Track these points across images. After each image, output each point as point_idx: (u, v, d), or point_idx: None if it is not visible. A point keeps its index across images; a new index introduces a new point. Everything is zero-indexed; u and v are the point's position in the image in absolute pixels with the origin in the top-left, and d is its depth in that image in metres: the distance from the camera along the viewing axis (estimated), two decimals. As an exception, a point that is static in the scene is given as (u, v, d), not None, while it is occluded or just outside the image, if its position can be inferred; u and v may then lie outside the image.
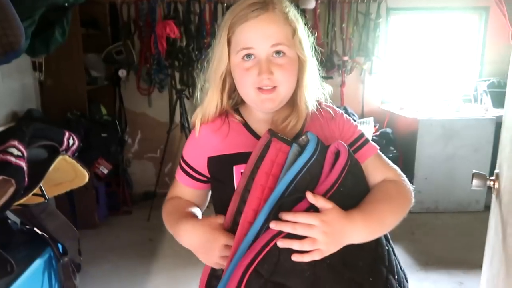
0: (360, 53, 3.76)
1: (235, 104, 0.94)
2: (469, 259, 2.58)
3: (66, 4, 2.02)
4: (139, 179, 3.78)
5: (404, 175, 0.88)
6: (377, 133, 3.50)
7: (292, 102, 0.89)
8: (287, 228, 0.70)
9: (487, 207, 1.84)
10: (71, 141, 1.76)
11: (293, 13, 0.85)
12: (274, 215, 0.71)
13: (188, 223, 0.83)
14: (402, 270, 0.90)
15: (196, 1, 3.53)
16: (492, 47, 3.68)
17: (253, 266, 0.68)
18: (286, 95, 0.86)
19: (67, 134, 1.75)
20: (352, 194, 0.78)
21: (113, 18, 3.51)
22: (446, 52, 3.91)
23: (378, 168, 0.87)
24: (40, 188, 1.54)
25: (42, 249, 1.67)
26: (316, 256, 0.69)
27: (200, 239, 0.79)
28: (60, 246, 1.74)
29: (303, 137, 0.79)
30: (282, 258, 0.69)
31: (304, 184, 0.74)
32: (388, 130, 3.55)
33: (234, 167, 0.85)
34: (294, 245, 0.69)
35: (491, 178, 1.09)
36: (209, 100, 0.91)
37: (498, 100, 3.37)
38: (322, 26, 3.66)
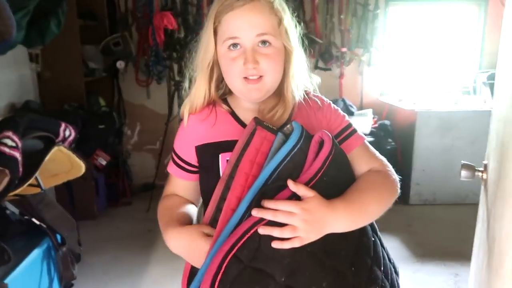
0: (359, 45, 3.74)
1: (223, 94, 0.94)
2: (465, 251, 2.54)
3: (61, -6, 2.03)
4: (139, 171, 3.80)
5: (390, 166, 0.89)
6: (376, 125, 3.50)
7: (279, 92, 0.90)
8: (268, 215, 0.71)
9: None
10: (67, 132, 1.77)
11: (279, 2, 0.85)
12: (256, 203, 0.72)
13: (174, 229, 0.83)
14: (392, 263, 0.91)
15: (194, -8, 3.51)
16: (492, 38, 3.65)
17: (233, 252, 0.69)
18: (272, 85, 0.87)
19: (63, 125, 1.76)
20: (336, 183, 0.79)
21: (111, 9, 3.50)
22: (445, 43, 3.88)
23: (363, 158, 0.88)
24: (36, 178, 1.56)
25: (41, 239, 1.69)
26: (296, 244, 0.70)
27: (184, 246, 0.80)
28: (58, 237, 1.77)
29: (288, 126, 0.80)
30: (262, 245, 0.70)
31: (287, 173, 0.75)
32: (387, 122, 3.55)
33: (220, 155, 0.86)
34: (274, 232, 0.70)
35: (479, 169, 1.10)
36: (196, 90, 0.91)
37: (497, 91, 3.35)
38: (320, 17, 3.65)
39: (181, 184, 0.95)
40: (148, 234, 2.92)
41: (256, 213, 0.71)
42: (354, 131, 0.91)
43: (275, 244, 0.70)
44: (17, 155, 1.28)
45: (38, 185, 1.55)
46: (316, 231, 0.72)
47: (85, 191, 3.06)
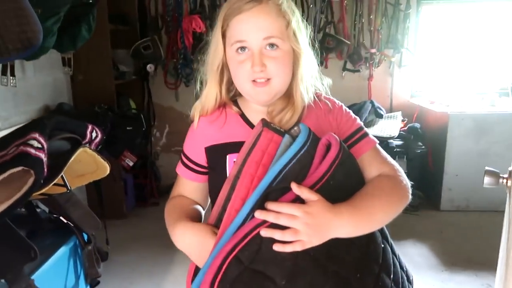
0: (389, 45, 3.64)
1: (233, 96, 0.94)
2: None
3: (91, 0, 2.10)
4: (167, 172, 3.87)
5: (402, 171, 0.86)
6: (405, 128, 3.40)
7: (288, 94, 0.89)
8: (270, 218, 0.70)
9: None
10: (94, 134, 1.82)
11: (287, 4, 0.84)
12: (260, 205, 0.72)
13: (181, 226, 0.84)
14: (405, 271, 0.88)
15: (221, -5, 3.55)
16: (532, 37, 3.48)
17: (234, 253, 0.69)
18: (281, 88, 0.86)
19: (89, 127, 1.81)
20: (343, 187, 0.77)
21: (141, 13, 3.59)
22: (482, 43, 3.72)
23: (374, 162, 0.86)
24: (62, 178, 1.61)
25: (68, 237, 1.75)
26: (297, 247, 0.69)
27: (191, 243, 0.80)
28: (85, 235, 1.82)
29: (295, 128, 0.79)
30: (263, 247, 0.69)
31: (293, 175, 0.74)
32: (416, 124, 3.43)
33: (227, 156, 0.86)
34: (276, 234, 0.69)
35: (504, 176, 1.04)
36: (207, 93, 0.92)
37: (537, 93, 3.18)
38: (349, 18, 3.59)
39: (189, 186, 0.96)
40: (173, 234, 2.97)
41: (259, 215, 0.71)
42: (365, 134, 0.89)
43: (277, 247, 0.69)
44: (43, 156, 1.33)
45: (65, 185, 1.60)
46: (318, 236, 0.71)
47: (115, 191, 3.14)
